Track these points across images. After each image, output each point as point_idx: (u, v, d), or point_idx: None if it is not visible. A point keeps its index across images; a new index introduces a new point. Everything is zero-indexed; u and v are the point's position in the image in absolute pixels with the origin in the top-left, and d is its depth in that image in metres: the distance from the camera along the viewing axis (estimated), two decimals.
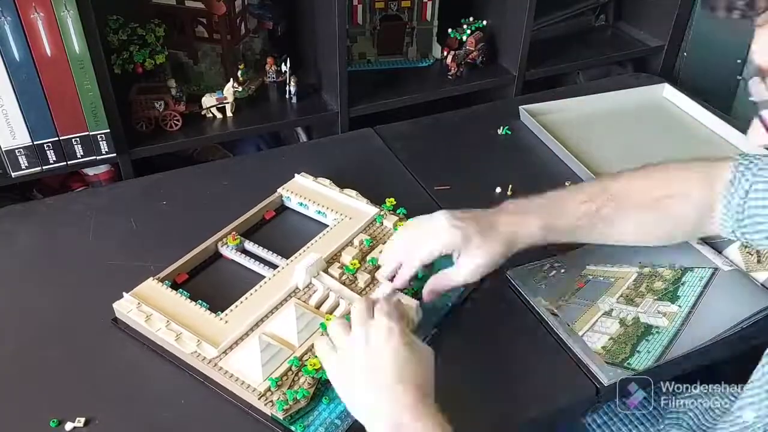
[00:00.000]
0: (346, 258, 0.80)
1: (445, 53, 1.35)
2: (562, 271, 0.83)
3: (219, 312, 0.74)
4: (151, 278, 0.77)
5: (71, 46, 0.95)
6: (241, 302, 0.75)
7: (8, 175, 1.02)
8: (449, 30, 1.38)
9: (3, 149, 0.99)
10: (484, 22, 1.39)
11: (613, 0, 1.58)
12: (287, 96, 1.26)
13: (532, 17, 1.31)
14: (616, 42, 1.55)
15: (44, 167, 1.03)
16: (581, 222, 0.74)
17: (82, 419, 0.64)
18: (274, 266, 0.81)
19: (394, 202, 0.89)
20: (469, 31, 1.37)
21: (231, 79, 1.19)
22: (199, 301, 0.75)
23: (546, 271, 0.83)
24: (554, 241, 0.75)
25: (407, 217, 0.86)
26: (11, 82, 0.95)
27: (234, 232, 0.86)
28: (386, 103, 1.29)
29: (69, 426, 0.64)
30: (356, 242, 0.83)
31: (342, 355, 0.61)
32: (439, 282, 0.73)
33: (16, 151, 1.00)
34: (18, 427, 0.65)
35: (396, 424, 0.54)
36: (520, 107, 1.16)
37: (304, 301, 0.75)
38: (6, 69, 0.93)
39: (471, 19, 1.40)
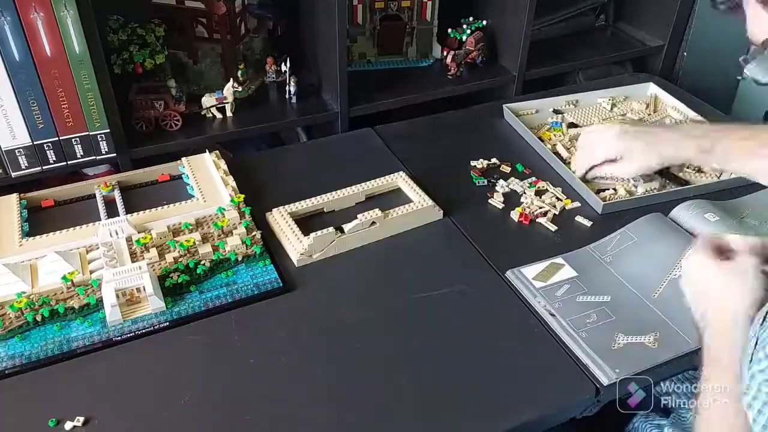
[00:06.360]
0: (153, 232, 0.84)
1: (445, 53, 1.35)
2: (562, 271, 0.83)
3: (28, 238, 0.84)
4: (16, 194, 0.90)
5: (71, 46, 0.96)
6: (49, 235, 0.85)
7: (8, 175, 1.02)
8: (449, 30, 1.39)
9: (3, 149, 0.99)
10: (484, 22, 1.39)
11: (613, 0, 1.58)
12: (287, 96, 1.26)
13: (532, 17, 1.31)
14: (616, 42, 1.55)
15: (44, 167, 1.04)
16: (738, 155, 0.84)
17: (81, 418, 0.64)
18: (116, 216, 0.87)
19: (242, 198, 0.91)
20: (469, 31, 1.37)
21: (231, 79, 1.19)
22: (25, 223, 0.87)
23: (545, 272, 0.83)
24: (704, 165, 0.95)
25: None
26: (11, 82, 0.95)
27: (114, 182, 0.94)
28: (386, 103, 1.29)
29: (68, 425, 0.64)
30: (176, 222, 0.86)
31: (729, 271, 0.68)
32: (603, 171, 0.96)
33: (16, 151, 1.00)
34: (17, 426, 0.65)
35: (740, 316, 0.63)
36: (503, 105, 1.15)
37: (88, 251, 0.83)
38: (6, 69, 0.93)
39: (471, 19, 1.40)
